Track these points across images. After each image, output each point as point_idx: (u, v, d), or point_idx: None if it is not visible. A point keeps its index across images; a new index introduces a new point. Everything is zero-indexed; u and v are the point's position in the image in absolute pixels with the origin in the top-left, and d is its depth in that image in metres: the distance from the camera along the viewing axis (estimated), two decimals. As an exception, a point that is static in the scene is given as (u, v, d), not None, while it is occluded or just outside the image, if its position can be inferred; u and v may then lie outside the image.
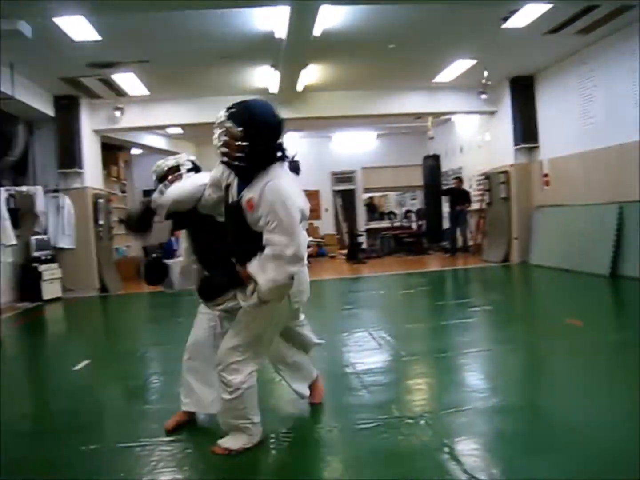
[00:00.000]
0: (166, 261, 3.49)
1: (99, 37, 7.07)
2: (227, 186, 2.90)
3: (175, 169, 3.45)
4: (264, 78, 9.74)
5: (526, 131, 10.84)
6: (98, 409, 4.10)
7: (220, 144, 2.73)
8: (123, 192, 14.66)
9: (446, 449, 2.91)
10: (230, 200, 2.87)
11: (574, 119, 9.46)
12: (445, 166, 15.09)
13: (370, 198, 18.85)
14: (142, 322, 8.24)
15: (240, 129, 2.66)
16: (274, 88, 10.09)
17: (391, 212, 18.60)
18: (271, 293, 2.72)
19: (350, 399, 3.87)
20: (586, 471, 2.63)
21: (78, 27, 6.70)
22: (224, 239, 2.94)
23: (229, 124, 2.68)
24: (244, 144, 2.68)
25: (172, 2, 5.97)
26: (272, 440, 3.14)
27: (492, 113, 11.76)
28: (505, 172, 11.26)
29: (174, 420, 3.43)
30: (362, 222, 17.35)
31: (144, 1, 5.77)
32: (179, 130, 13.67)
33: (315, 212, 16.86)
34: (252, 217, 2.72)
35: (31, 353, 6.59)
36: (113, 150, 13.32)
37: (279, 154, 2.80)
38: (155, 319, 8.16)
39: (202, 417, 3.53)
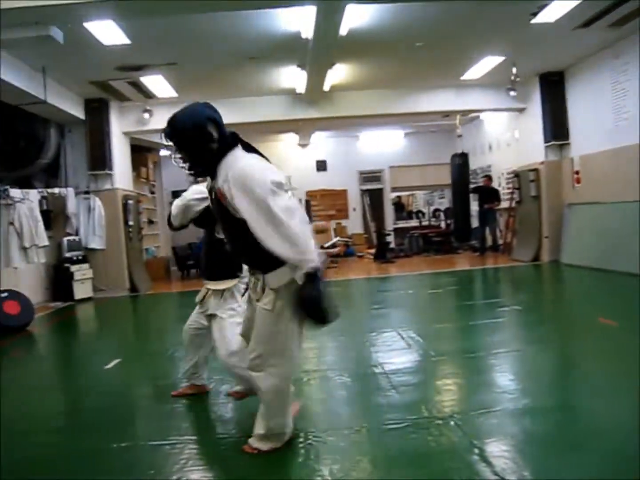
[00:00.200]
0: None
1: (127, 41, 7.17)
2: (210, 190, 2.98)
3: None
4: (291, 78, 9.76)
5: (556, 128, 10.68)
6: (129, 407, 4.15)
7: (175, 163, 2.93)
8: (152, 193, 14.81)
9: (476, 450, 2.88)
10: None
11: (606, 114, 9.28)
12: (474, 164, 14.95)
13: (398, 197, 18.75)
14: (171, 322, 8.31)
15: (170, 143, 2.86)
16: (301, 88, 10.12)
17: (419, 211, 18.48)
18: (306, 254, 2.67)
19: (379, 399, 3.85)
20: (617, 472, 2.58)
21: (108, 32, 6.82)
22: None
23: (166, 143, 2.87)
24: (182, 153, 2.86)
25: (200, 3, 6.01)
26: (300, 440, 3.14)
27: (521, 110, 11.61)
28: (535, 169, 11.10)
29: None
30: (390, 222, 17.27)
31: (172, 2, 5.81)
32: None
33: (343, 212, 16.88)
34: (230, 205, 2.76)
35: (64, 352, 6.72)
36: (142, 152, 13.47)
37: (229, 142, 2.85)
38: (184, 319, 8.15)
39: (230, 415, 3.55)
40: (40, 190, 9.40)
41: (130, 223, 10.68)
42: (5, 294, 7.57)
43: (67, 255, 9.87)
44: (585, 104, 10.05)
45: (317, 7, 6.26)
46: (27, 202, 8.35)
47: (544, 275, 10.31)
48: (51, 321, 8.48)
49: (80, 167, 10.45)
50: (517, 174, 11.88)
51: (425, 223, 17.08)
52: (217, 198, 2.83)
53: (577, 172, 10.35)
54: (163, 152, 15.05)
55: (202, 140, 2.79)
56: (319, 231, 14.77)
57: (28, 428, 3.72)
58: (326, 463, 2.90)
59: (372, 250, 14.87)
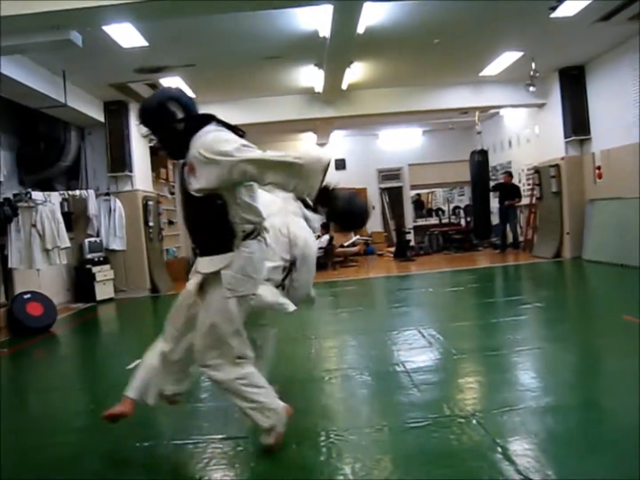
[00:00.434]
0: None
1: (146, 43, 7.23)
2: (181, 170, 2.98)
3: None
4: (309, 77, 9.76)
5: (577, 123, 10.56)
6: (151, 407, 4.17)
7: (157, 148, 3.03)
8: (172, 193, 14.84)
9: (499, 449, 2.85)
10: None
11: (628, 108, 9.14)
12: (494, 161, 14.84)
13: (418, 195, 18.71)
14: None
15: (146, 129, 2.97)
16: (319, 87, 10.12)
17: (439, 209, 18.41)
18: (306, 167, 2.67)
19: (400, 397, 3.83)
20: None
21: (126, 34, 6.88)
22: None
23: (144, 132, 2.99)
24: (155, 137, 2.98)
25: (218, 4, 6.01)
26: (322, 439, 3.14)
27: (541, 105, 11.51)
28: (556, 165, 10.98)
29: None
30: (410, 219, 17.23)
31: (190, 3, 5.82)
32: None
33: (362, 210, 16.81)
34: (194, 181, 2.76)
35: (86, 352, 6.78)
36: (161, 153, 13.54)
37: (200, 121, 2.91)
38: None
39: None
40: (61, 192, 9.50)
41: (151, 224, 10.75)
42: (28, 296, 7.68)
43: (89, 256, 9.97)
44: (606, 99, 9.92)
45: (334, 6, 6.25)
46: (49, 204, 8.44)
47: (565, 272, 10.19)
48: (73, 322, 8.58)
49: (101, 169, 10.55)
50: (537, 170, 11.77)
51: (445, 221, 17.00)
52: (182, 177, 2.87)
53: (598, 168, 10.22)
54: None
55: (165, 119, 2.88)
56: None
57: (52, 428, 3.78)
58: (348, 462, 2.89)
59: (392, 249, 14.83)
